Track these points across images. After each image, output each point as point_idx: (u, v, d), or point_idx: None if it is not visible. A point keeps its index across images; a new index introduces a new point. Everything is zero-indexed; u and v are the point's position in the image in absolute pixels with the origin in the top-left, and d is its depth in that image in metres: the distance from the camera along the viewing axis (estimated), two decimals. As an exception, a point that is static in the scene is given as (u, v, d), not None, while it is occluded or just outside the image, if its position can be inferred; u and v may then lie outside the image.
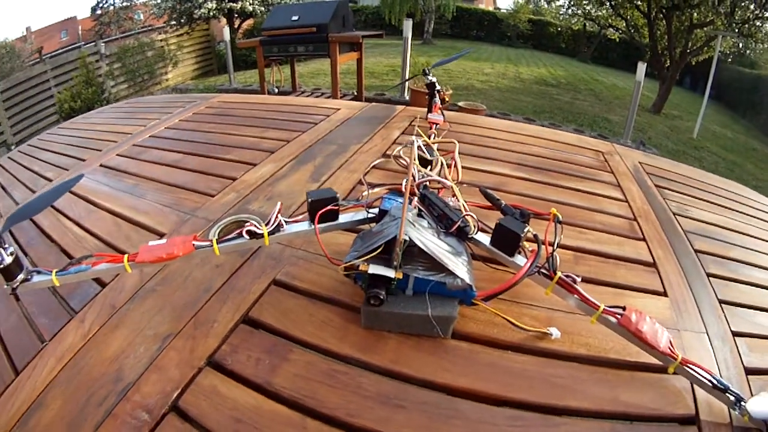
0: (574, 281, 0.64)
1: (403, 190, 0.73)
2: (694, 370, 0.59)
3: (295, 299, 0.76)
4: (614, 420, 0.58)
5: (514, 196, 1.12)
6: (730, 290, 0.89)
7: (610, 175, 1.32)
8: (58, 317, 0.81)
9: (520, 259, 0.69)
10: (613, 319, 0.62)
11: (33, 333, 0.80)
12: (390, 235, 0.63)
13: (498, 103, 7.16)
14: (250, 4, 10.62)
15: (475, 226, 0.72)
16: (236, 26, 11.21)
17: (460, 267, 0.65)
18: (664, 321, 0.75)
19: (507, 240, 0.69)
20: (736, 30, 8.24)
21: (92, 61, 7.71)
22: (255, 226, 0.69)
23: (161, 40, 9.34)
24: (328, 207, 0.73)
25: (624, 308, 0.62)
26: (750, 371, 0.69)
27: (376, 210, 0.76)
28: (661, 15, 8.42)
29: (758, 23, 8.28)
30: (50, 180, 1.48)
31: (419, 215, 0.73)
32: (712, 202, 1.30)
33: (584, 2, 11.27)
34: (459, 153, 1.02)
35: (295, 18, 5.13)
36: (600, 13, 11.28)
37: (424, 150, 0.98)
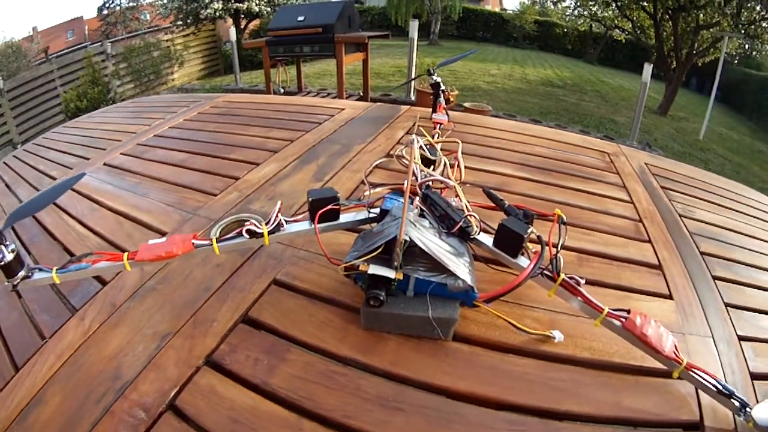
0: (578, 283, 0.63)
1: (408, 191, 0.72)
2: (699, 375, 0.58)
3: (295, 299, 0.75)
4: (617, 425, 0.58)
5: (517, 197, 1.11)
6: (736, 293, 0.87)
7: (616, 176, 1.30)
8: (59, 315, 0.81)
9: (523, 261, 0.68)
10: (617, 323, 0.61)
11: (34, 330, 0.80)
12: (390, 235, 0.62)
13: (504, 104, 7.15)
14: (256, 5, 10.66)
15: (477, 227, 0.71)
16: (242, 27, 11.25)
17: (461, 268, 0.64)
18: (669, 324, 0.73)
19: (510, 241, 0.68)
20: (743, 31, 8.18)
21: (98, 61, 7.74)
22: (255, 225, 0.69)
23: (167, 41, 9.37)
24: (329, 206, 0.72)
25: (628, 311, 0.61)
26: (755, 376, 0.68)
27: (377, 210, 0.75)
28: (667, 16, 8.38)
29: (764, 24, 8.21)
30: (54, 179, 1.49)
31: (421, 215, 0.73)
32: (718, 204, 1.29)
33: (590, 3, 11.23)
34: (463, 153, 1.01)
35: (301, 18, 5.14)
36: (606, 14, 11.23)
37: (426, 150, 0.97)
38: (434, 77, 1.44)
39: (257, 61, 9.40)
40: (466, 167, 1.19)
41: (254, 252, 0.88)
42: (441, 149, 1.00)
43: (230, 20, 10.89)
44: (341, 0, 5.34)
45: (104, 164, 1.47)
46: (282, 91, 6.29)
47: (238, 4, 10.52)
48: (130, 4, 14.48)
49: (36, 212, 0.78)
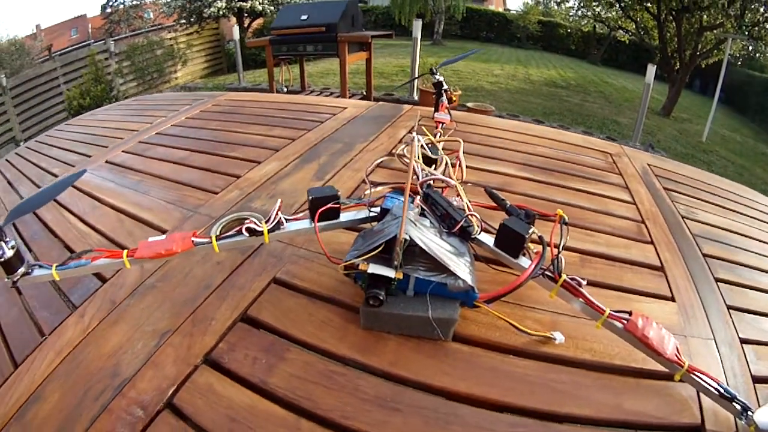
0: (580, 284, 0.62)
1: (408, 189, 0.72)
2: (701, 378, 0.57)
3: (294, 298, 0.75)
4: (617, 428, 0.57)
5: (520, 197, 1.11)
6: (739, 296, 0.87)
7: (618, 177, 1.30)
8: (59, 311, 0.81)
9: (524, 261, 0.68)
10: (618, 324, 0.60)
11: (33, 326, 0.80)
12: (390, 234, 0.62)
13: (507, 105, 7.13)
14: (259, 4, 10.64)
15: (478, 227, 0.71)
16: (246, 25, 11.24)
17: (462, 268, 0.64)
18: (670, 326, 0.73)
19: (511, 241, 0.67)
20: (746, 33, 8.15)
21: (101, 59, 7.76)
22: (255, 223, 0.69)
23: (170, 39, 9.39)
24: (329, 205, 0.72)
25: (630, 313, 0.60)
26: (757, 379, 0.67)
27: (377, 209, 0.75)
28: (671, 17, 8.35)
29: (768, 26, 8.18)
30: (56, 176, 1.49)
31: (422, 214, 0.72)
32: (721, 206, 1.28)
33: (594, 4, 11.21)
34: (465, 153, 1.01)
35: (304, 17, 5.13)
36: (610, 15, 11.22)
37: (427, 149, 0.96)
38: (437, 76, 1.43)
39: (260, 60, 9.41)
40: (468, 167, 1.18)
41: (254, 250, 0.88)
42: (443, 148, 0.99)
43: (234, 19, 10.88)
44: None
45: (106, 162, 1.47)
46: (285, 90, 6.29)
47: (241, 2, 10.51)
48: (134, 3, 14.48)
49: (36, 209, 0.78)
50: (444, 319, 0.64)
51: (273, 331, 0.69)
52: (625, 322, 0.60)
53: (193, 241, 0.68)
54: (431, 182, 0.78)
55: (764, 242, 1.12)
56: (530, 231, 0.66)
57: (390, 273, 0.61)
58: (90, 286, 0.85)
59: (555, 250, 0.63)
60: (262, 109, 1.89)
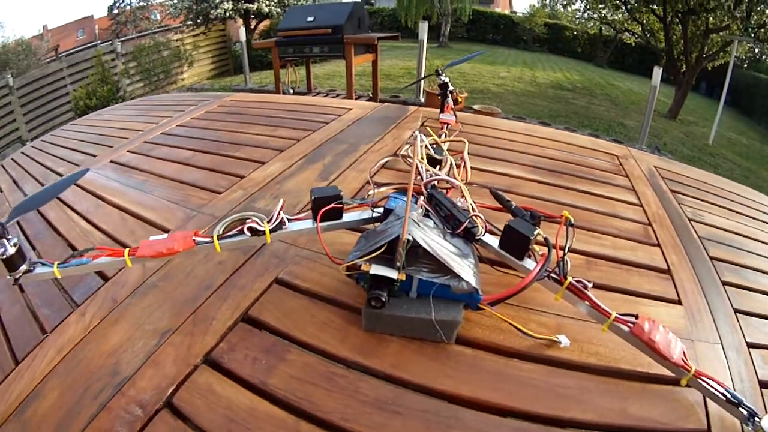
0: (585, 287, 0.61)
1: (411, 189, 0.71)
2: (708, 383, 0.56)
3: (296, 299, 0.75)
4: (622, 434, 0.56)
5: (526, 199, 1.10)
6: (746, 299, 0.85)
7: (625, 179, 1.29)
8: (60, 309, 0.81)
9: (529, 263, 0.67)
10: (625, 328, 0.59)
11: (35, 324, 0.80)
12: (393, 234, 0.61)
13: (514, 107, 7.11)
14: (266, 5, 10.69)
15: (483, 228, 0.70)
16: (252, 27, 11.29)
17: (466, 269, 0.63)
18: (677, 330, 0.72)
19: (516, 242, 0.66)
20: (752, 35, 8.09)
21: (108, 60, 7.79)
22: (257, 223, 0.68)
23: (177, 40, 9.42)
24: (332, 205, 0.71)
25: (636, 316, 0.59)
26: (764, 384, 0.66)
27: (381, 209, 0.74)
28: (677, 19, 8.31)
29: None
30: (61, 175, 1.49)
31: (426, 215, 0.71)
32: (727, 208, 1.27)
33: (600, 6, 11.17)
34: (471, 154, 1.00)
35: (310, 19, 5.14)
36: (616, 17, 11.18)
37: (431, 149, 0.96)
38: (442, 78, 1.42)
39: (267, 62, 9.43)
40: (474, 169, 1.18)
41: (257, 250, 0.88)
42: (448, 149, 0.99)
43: (240, 20, 10.93)
44: (351, 1, 5.34)
45: (111, 161, 1.48)
46: (291, 91, 6.30)
47: (248, 4, 10.56)
48: (141, 4, 14.59)
49: (39, 206, 0.78)
50: (447, 322, 0.63)
51: (274, 331, 0.68)
52: (632, 325, 0.59)
53: (194, 240, 0.68)
54: (435, 183, 0.78)
55: (772, 246, 1.11)
56: (535, 232, 0.65)
57: (392, 274, 0.60)
58: (92, 284, 0.85)
59: (560, 252, 0.62)
60: (267, 109, 1.89)
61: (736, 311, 0.81)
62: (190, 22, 10.63)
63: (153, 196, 1.17)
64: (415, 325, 0.64)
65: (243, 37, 7.99)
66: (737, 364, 0.69)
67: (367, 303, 0.63)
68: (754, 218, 1.26)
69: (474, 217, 0.69)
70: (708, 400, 0.59)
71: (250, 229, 0.68)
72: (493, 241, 0.70)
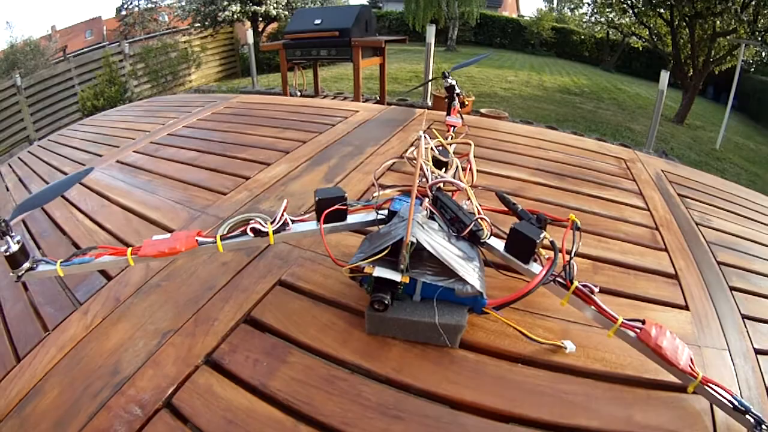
0: (592, 291, 0.60)
1: (415, 191, 0.70)
2: (715, 390, 0.55)
3: (299, 301, 0.74)
4: (628, 441, 0.55)
5: (532, 202, 1.09)
6: (754, 305, 0.84)
7: (632, 183, 1.27)
8: (63, 307, 0.81)
9: (535, 267, 0.65)
10: (631, 333, 0.58)
11: (38, 321, 0.80)
12: (397, 236, 0.61)
13: (521, 111, 7.09)
14: (273, 8, 10.72)
15: (488, 231, 0.69)
16: (260, 29, 11.33)
17: (470, 273, 0.62)
18: (684, 336, 0.71)
19: (522, 246, 0.65)
20: (759, 38, 8.02)
21: (116, 61, 7.85)
22: (260, 224, 0.68)
23: (185, 42, 9.47)
24: (336, 206, 0.71)
25: (643, 322, 0.58)
26: (772, 392, 0.65)
27: (385, 211, 0.74)
28: (684, 23, 8.25)
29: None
30: (66, 174, 1.50)
31: (431, 217, 0.71)
32: (735, 213, 1.25)
33: (607, 10, 11.12)
34: (478, 157, 0.99)
35: (317, 22, 5.15)
36: (623, 21, 11.11)
37: (437, 151, 0.95)
38: (449, 80, 1.42)
39: (274, 65, 9.47)
40: (481, 171, 1.17)
41: (260, 252, 0.87)
42: (454, 152, 0.98)
43: (248, 23, 10.97)
44: (358, 4, 5.34)
45: (117, 161, 1.48)
46: (299, 94, 6.31)
47: (255, 7, 10.60)
48: (149, 6, 14.69)
49: (43, 204, 0.78)
50: (451, 326, 0.62)
51: (276, 333, 0.68)
52: (638, 331, 0.58)
53: (197, 240, 0.67)
54: (441, 185, 0.77)
55: (781, 251, 1.09)
56: (542, 236, 0.64)
57: (396, 277, 0.60)
58: (95, 283, 0.85)
59: (567, 256, 0.61)
60: (274, 111, 1.89)
61: (744, 317, 0.79)
62: (198, 25, 10.68)
63: (158, 196, 1.17)
64: (418, 328, 0.63)
65: (250, 39, 8.02)
66: (745, 371, 0.67)
67: (370, 306, 0.63)
68: (762, 223, 1.24)
69: (479, 220, 0.68)
70: (715, 407, 0.58)
71: (252, 229, 0.67)
72: (499, 244, 0.69)
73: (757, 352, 0.72)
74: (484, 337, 0.66)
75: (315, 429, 0.54)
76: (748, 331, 0.76)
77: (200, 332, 0.68)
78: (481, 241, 0.68)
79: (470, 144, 1.04)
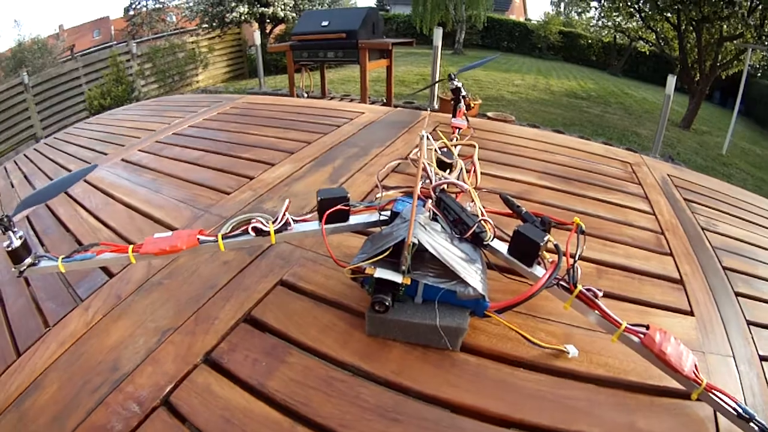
0: (596, 296, 0.59)
1: (417, 192, 0.70)
2: (719, 397, 0.54)
3: (300, 301, 0.74)
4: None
5: (537, 205, 1.08)
6: (759, 311, 0.83)
7: (638, 187, 1.26)
8: (65, 303, 0.81)
9: (538, 270, 0.65)
10: (635, 338, 0.57)
11: (39, 317, 0.80)
12: (399, 237, 0.60)
13: (528, 115, 7.07)
14: (281, 10, 10.76)
15: (491, 233, 0.68)
16: (268, 31, 11.36)
17: (473, 275, 0.61)
18: (688, 342, 0.70)
19: (525, 249, 0.65)
20: (766, 43, 7.96)
21: (123, 60, 7.88)
22: (261, 223, 0.67)
23: (192, 43, 9.51)
24: (338, 207, 0.70)
25: (647, 327, 0.57)
26: (777, 400, 0.64)
27: (388, 212, 0.73)
28: (691, 27, 8.21)
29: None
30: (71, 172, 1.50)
31: (434, 219, 0.70)
32: (741, 218, 1.23)
33: (614, 14, 11.08)
34: (483, 160, 0.99)
35: (325, 24, 5.16)
36: (630, 26, 11.07)
37: (441, 153, 0.95)
38: (455, 82, 1.42)
39: (282, 66, 9.50)
40: (486, 174, 1.17)
41: (262, 251, 0.87)
42: (459, 154, 0.97)
43: (255, 24, 11.01)
44: (365, 6, 5.35)
45: (122, 160, 1.49)
46: (306, 96, 6.32)
47: (263, 8, 10.64)
48: (157, 6, 14.76)
49: (46, 201, 0.78)
50: (452, 328, 0.61)
51: (276, 333, 0.68)
52: (642, 336, 0.57)
53: (198, 239, 0.67)
54: (444, 186, 0.76)
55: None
56: (545, 239, 0.64)
57: (397, 278, 0.59)
58: (97, 280, 0.85)
59: (571, 260, 0.60)
60: (279, 112, 1.89)
61: (749, 323, 0.78)
62: (205, 25, 10.73)
63: (162, 194, 1.17)
64: (419, 330, 0.62)
65: (258, 40, 8.04)
66: (749, 378, 0.66)
67: (371, 307, 0.62)
68: (768, 228, 1.23)
69: (483, 222, 0.68)
70: (719, 414, 0.57)
71: (254, 229, 0.67)
72: (502, 246, 0.68)
73: (762, 358, 0.70)
74: (485, 340, 0.66)
75: (312, 430, 0.53)
76: (753, 338, 0.75)
77: (200, 331, 0.68)
78: (484, 243, 0.67)
79: (475, 146, 1.03)
